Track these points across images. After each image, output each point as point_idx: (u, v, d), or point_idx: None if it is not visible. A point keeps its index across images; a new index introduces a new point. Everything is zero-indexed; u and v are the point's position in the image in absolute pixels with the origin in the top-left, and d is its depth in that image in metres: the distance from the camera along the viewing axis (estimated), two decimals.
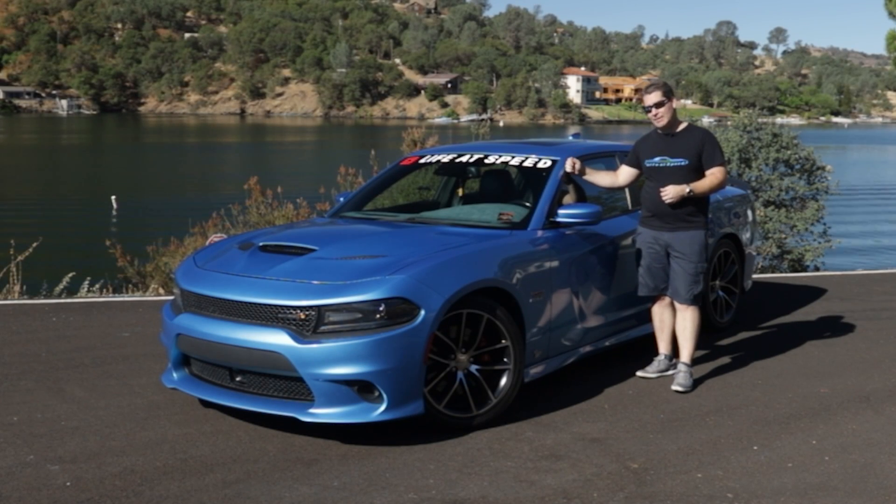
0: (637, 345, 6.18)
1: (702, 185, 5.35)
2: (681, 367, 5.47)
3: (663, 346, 5.70)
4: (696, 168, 5.39)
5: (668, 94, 5.43)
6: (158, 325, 5.75)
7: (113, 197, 30.96)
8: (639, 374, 5.65)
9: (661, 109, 5.40)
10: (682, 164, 5.38)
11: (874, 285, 9.18)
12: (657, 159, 5.47)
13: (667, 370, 5.65)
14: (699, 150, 5.38)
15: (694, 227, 5.42)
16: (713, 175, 5.37)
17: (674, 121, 5.48)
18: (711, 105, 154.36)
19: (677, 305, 5.53)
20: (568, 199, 5.66)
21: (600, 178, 5.75)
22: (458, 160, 6.24)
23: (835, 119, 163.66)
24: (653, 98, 5.42)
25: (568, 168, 5.61)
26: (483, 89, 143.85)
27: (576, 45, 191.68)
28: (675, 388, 5.37)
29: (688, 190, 5.31)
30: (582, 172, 5.64)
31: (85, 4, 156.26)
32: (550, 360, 5.20)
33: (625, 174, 5.69)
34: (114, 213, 30.05)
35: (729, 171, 5.31)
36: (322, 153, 63.33)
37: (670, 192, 5.32)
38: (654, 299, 5.69)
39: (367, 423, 4.39)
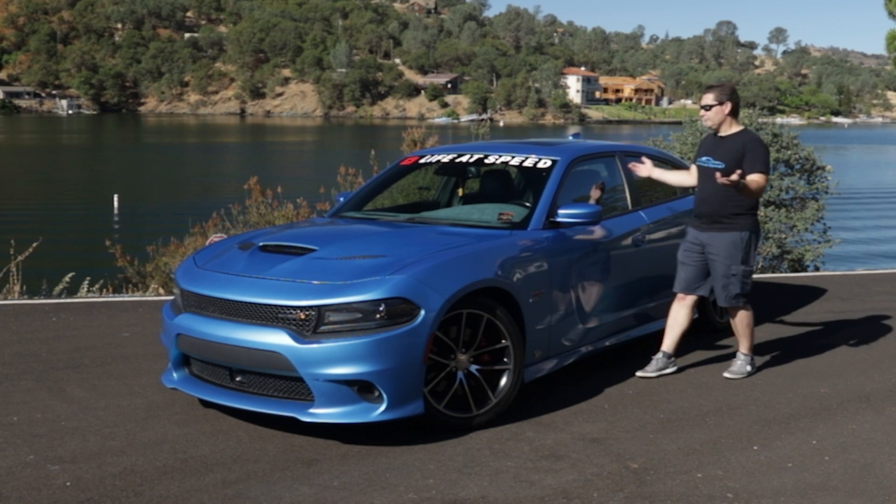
0: (637, 345, 6.18)
1: (748, 184, 5.36)
2: (739, 355, 5.71)
3: (666, 344, 5.73)
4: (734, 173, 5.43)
5: (722, 99, 5.51)
6: (158, 325, 5.75)
7: (115, 196, 30.97)
8: (638, 374, 5.66)
9: (710, 112, 5.54)
10: (720, 167, 5.46)
11: (874, 285, 9.18)
12: (703, 159, 5.61)
13: (665, 368, 5.67)
14: (740, 156, 5.43)
15: (729, 230, 5.49)
16: (752, 181, 5.39)
17: (724, 124, 5.56)
18: None
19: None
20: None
21: (671, 176, 5.99)
22: (458, 160, 6.23)
23: (835, 119, 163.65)
24: (705, 99, 5.57)
25: (644, 173, 5.92)
26: (483, 89, 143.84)
27: (576, 45, 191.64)
28: (726, 374, 5.63)
29: (736, 175, 5.22)
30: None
31: (85, 4, 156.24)
32: (550, 360, 5.20)
33: (694, 171, 5.84)
34: (115, 212, 30.05)
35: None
36: (322, 153, 63.33)
37: (722, 177, 5.32)
38: (676, 296, 5.77)
39: (367, 423, 4.40)
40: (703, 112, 5.58)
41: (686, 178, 5.93)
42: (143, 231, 21.55)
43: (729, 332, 6.82)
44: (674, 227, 6.33)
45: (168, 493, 3.80)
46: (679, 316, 5.70)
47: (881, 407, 5.13)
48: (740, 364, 5.67)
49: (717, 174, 5.33)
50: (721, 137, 5.57)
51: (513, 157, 5.95)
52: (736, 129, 5.58)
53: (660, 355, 5.70)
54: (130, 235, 22.50)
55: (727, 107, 5.51)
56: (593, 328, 5.54)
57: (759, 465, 4.21)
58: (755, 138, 5.54)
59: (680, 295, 5.71)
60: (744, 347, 5.71)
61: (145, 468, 4.06)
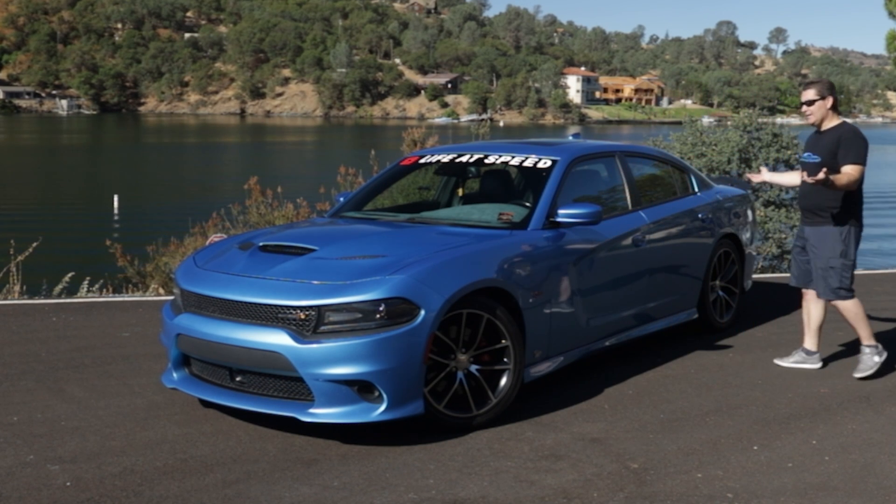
0: (637, 345, 6.18)
1: (837, 179, 5.38)
2: (863, 349, 5.67)
3: (806, 340, 5.91)
4: (831, 166, 5.46)
5: (824, 94, 5.58)
6: (158, 325, 5.75)
7: (115, 196, 30.98)
8: (776, 361, 5.86)
9: (812, 108, 5.60)
10: (817, 161, 5.52)
11: (874, 285, 9.18)
12: (805, 154, 5.70)
13: (803, 363, 5.84)
14: (834, 148, 5.49)
15: (825, 223, 5.57)
16: (845, 173, 5.43)
17: (824, 119, 5.62)
18: (711, 105, 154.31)
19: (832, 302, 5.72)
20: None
21: (785, 178, 6.19)
22: (458, 160, 6.23)
23: None
24: (806, 95, 5.64)
25: (758, 179, 6.22)
26: (483, 89, 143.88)
27: (576, 45, 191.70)
28: (856, 374, 5.60)
29: (822, 174, 5.26)
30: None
31: (85, 4, 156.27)
32: (550, 360, 5.20)
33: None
34: (115, 213, 30.05)
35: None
36: (322, 153, 63.34)
37: (810, 175, 5.41)
38: (803, 292, 5.91)
39: (367, 423, 4.40)
40: (805, 108, 5.61)
41: (797, 177, 5.95)
42: (143, 231, 21.55)
43: (729, 332, 6.83)
44: (674, 227, 6.33)
45: (168, 493, 3.80)
46: (810, 311, 5.83)
47: (881, 407, 5.13)
48: (866, 358, 5.62)
49: (804, 174, 5.39)
50: (821, 132, 5.65)
51: (513, 157, 5.95)
52: (835, 122, 5.63)
53: (800, 350, 5.90)
54: (130, 235, 22.50)
55: (829, 101, 5.58)
56: (593, 328, 5.54)
57: (759, 465, 4.21)
58: (850, 129, 5.57)
59: (803, 292, 5.89)
60: (864, 339, 5.68)
61: (145, 468, 4.06)
